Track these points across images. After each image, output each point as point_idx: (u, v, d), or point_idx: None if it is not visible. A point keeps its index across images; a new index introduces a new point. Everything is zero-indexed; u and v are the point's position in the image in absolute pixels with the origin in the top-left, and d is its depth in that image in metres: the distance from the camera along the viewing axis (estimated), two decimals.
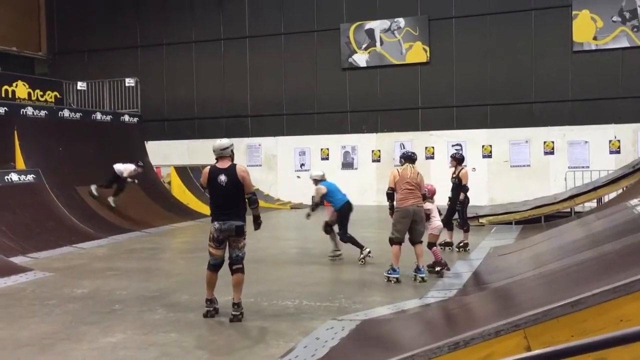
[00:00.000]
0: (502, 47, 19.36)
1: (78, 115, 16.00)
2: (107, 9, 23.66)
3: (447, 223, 10.91)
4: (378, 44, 20.66)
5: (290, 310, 6.89)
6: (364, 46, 20.81)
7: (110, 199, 14.60)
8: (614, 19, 18.20)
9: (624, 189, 13.12)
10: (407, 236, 8.40)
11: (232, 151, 6.67)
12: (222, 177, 6.47)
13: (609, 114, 18.16)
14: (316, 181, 10.28)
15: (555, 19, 18.81)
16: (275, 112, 21.94)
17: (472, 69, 19.59)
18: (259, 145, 22.13)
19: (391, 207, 8.37)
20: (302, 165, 21.56)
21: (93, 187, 14.49)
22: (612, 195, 13.73)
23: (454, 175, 10.89)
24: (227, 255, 6.63)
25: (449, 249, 10.78)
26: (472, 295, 6.61)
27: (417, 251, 8.34)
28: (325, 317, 6.42)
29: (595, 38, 18.41)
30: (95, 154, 15.69)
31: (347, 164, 21.17)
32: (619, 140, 18.12)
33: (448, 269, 8.66)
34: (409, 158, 8.56)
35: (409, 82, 20.29)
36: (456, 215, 10.97)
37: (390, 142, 20.39)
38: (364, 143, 20.90)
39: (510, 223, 13.93)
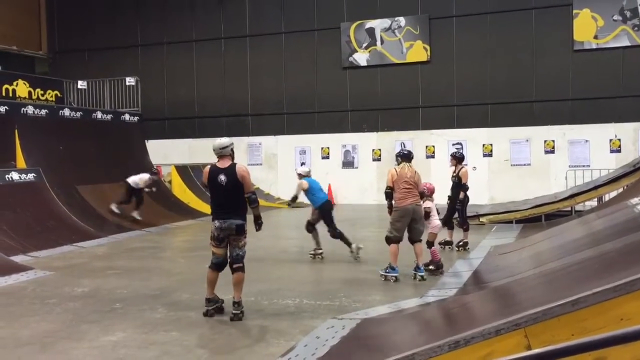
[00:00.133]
0: (503, 46, 19.35)
1: (78, 114, 16.01)
2: (108, 8, 23.66)
3: (448, 222, 10.92)
4: (379, 43, 20.65)
5: (291, 309, 6.89)
6: (364, 45, 20.80)
7: (135, 213, 14.62)
8: (615, 17, 18.18)
9: (625, 187, 13.12)
10: (405, 235, 8.41)
11: (232, 150, 6.67)
12: (222, 177, 6.48)
13: (610, 113, 18.15)
14: (301, 176, 10.36)
15: (556, 18, 18.79)
16: (276, 111, 21.94)
17: (472, 68, 19.58)
18: (260, 144, 22.13)
19: (390, 206, 8.37)
20: (302, 164, 21.51)
21: (113, 206, 14.41)
22: (613, 194, 13.72)
23: (454, 174, 10.89)
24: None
25: (449, 248, 10.78)
26: (473, 294, 6.60)
27: (417, 250, 8.33)
28: (325, 316, 6.43)
29: (596, 37, 18.40)
30: (96, 153, 15.71)
31: (348, 163, 21.17)
32: (619, 139, 18.11)
33: (441, 273, 8.62)
34: (405, 157, 8.56)
35: (409, 81, 20.28)
36: (456, 215, 10.97)
37: (391, 141, 20.38)
38: (364, 142, 20.89)
39: (510, 222, 13.92)
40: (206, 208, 14.39)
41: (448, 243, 10.86)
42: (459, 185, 10.74)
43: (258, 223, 6.74)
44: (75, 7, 24.03)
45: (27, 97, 16.63)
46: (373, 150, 20.80)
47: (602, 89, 18.23)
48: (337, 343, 5.39)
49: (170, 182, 18.70)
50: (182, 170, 18.78)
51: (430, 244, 8.90)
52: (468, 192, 10.90)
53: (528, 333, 3.35)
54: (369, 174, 20.67)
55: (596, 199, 14.25)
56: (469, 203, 11.24)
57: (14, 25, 23.12)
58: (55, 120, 14.99)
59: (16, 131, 13.54)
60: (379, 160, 20.59)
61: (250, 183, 6.61)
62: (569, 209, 14.17)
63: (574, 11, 18.51)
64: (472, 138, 19.49)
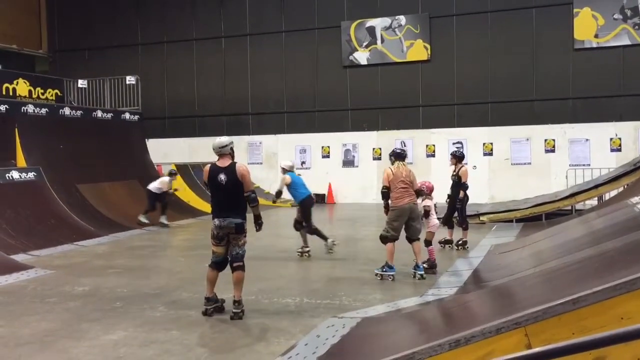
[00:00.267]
0: (503, 45, 19.34)
1: (79, 113, 16.01)
2: (108, 6, 23.66)
3: (448, 221, 10.93)
4: (379, 41, 20.65)
5: (291, 308, 6.90)
6: (365, 44, 20.79)
7: (162, 219, 14.66)
8: (615, 16, 18.17)
9: (625, 186, 13.13)
10: (403, 234, 8.41)
11: (231, 149, 6.67)
12: (222, 176, 6.49)
13: (610, 112, 18.15)
14: (284, 170, 10.41)
15: (556, 17, 18.78)
16: (276, 109, 21.94)
17: (473, 66, 19.57)
18: (260, 143, 22.14)
19: (386, 206, 8.36)
20: (302, 163, 21.56)
21: (142, 217, 14.38)
22: (613, 193, 13.72)
23: (453, 173, 10.89)
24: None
25: (449, 246, 10.78)
26: (473, 293, 6.60)
27: (415, 249, 8.34)
28: (326, 315, 6.43)
29: (596, 36, 18.39)
30: (96, 152, 15.71)
31: (348, 162, 21.17)
32: (620, 138, 18.11)
33: (434, 272, 8.59)
34: (399, 156, 8.57)
35: (409, 80, 20.28)
36: (455, 214, 10.97)
37: (391, 140, 20.35)
38: (364, 141, 20.89)
39: (511, 221, 13.93)
40: (207, 207, 14.39)
41: (448, 242, 10.86)
42: (458, 184, 10.74)
43: (258, 223, 6.74)
44: (76, 5, 24.03)
45: (27, 96, 16.64)
46: (373, 149, 20.80)
47: (603, 87, 18.23)
48: (338, 342, 5.39)
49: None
50: (183, 169, 18.78)
51: (428, 243, 8.89)
52: (468, 191, 10.91)
53: (528, 332, 3.35)
54: (369, 173, 20.67)
55: (596, 198, 14.25)
56: (469, 202, 11.25)
57: (14, 24, 23.13)
58: (55, 119, 14.99)
59: (16, 130, 13.54)
60: (379, 159, 20.58)
61: (250, 182, 6.61)
62: (570, 207, 14.17)
63: (575, 10, 18.50)
64: (473, 137, 19.49)
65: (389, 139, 20.36)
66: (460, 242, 10.70)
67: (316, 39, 21.36)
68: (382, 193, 8.36)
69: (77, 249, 11.52)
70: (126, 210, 14.88)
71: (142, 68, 22.09)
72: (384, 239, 8.32)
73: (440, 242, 10.78)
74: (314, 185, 20.94)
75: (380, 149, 20.63)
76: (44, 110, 14.77)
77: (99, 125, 16.45)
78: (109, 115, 17.06)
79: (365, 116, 20.88)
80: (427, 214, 8.98)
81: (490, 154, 19.44)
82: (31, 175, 12.95)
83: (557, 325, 3.29)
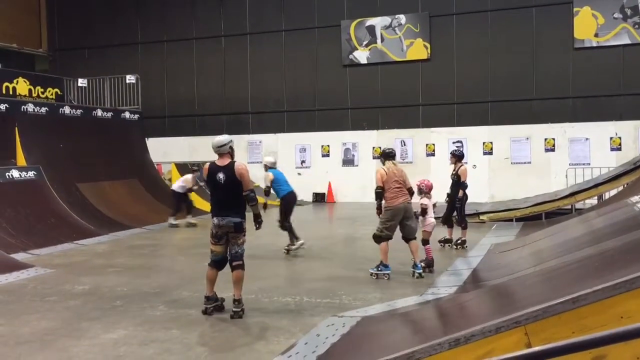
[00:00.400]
0: (503, 44, 19.34)
1: (79, 112, 16.00)
2: (108, 5, 23.65)
3: (447, 220, 10.93)
4: (379, 40, 20.64)
5: (291, 307, 6.90)
6: (364, 43, 20.78)
7: (189, 218, 14.70)
8: (615, 15, 18.16)
9: (625, 186, 13.13)
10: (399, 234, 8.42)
11: (231, 148, 6.66)
12: (221, 175, 6.49)
13: (610, 111, 18.15)
14: (266, 167, 10.49)
15: (556, 16, 18.78)
16: (276, 108, 21.93)
17: (473, 65, 19.57)
18: (260, 142, 22.13)
19: (379, 207, 8.37)
20: (302, 162, 21.57)
21: (171, 220, 14.44)
22: (613, 192, 13.72)
23: (453, 172, 10.89)
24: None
25: (449, 246, 10.78)
26: (473, 292, 6.60)
27: (412, 248, 8.36)
28: (325, 314, 6.43)
29: (596, 35, 18.38)
30: (96, 151, 15.70)
31: (348, 161, 21.17)
32: (619, 137, 18.11)
33: (431, 271, 8.60)
34: (389, 155, 8.58)
35: (409, 79, 20.27)
36: (455, 212, 10.97)
37: (391, 139, 20.37)
38: (364, 140, 20.89)
39: (511, 220, 13.94)
40: (206, 206, 14.35)
41: (448, 241, 10.86)
42: (458, 183, 10.74)
43: (258, 222, 6.75)
44: (75, 4, 24.01)
45: (27, 94, 16.62)
46: (373, 148, 20.78)
47: (603, 87, 18.22)
48: (338, 341, 5.40)
49: (170, 179, 18.71)
50: (182, 168, 18.77)
51: (425, 242, 8.89)
52: (467, 190, 10.91)
53: (528, 331, 3.35)
54: (369, 172, 20.61)
55: (596, 197, 14.25)
56: (468, 201, 11.26)
57: (14, 23, 23.12)
58: (55, 118, 14.98)
59: (16, 129, 13.53)
60: (379, 158, 20.53)
61: (248, 181, 6.60)
62: (569, 207, 14.17)
63: (575, 9, 18.50)
64: (473, 136, 19.48)
65: (388, 138, 20.36)
66: (459, 241, 10.70)
67: (316, 38, 21.36)
68: (377, 193, 8.35)
69: (77, 248, 11.53)
70: (126, 209, 14.87)
71: (142, 67, 22.08)
72: (378, 239, 8.35)
73: (440, 241, 10.79)
74: (314, 184, 21.05)
75: (380, 148, 20.56)
76: (44, 109, 14.77)
77: (99, 124, 16.44)
78: (109, 114, 17.06)
79: (365, 115, 20.88)
80: (424, 212, 8.98)
81: (490, 153, 19.44)
82: (31, 174, 12.95)
83: (557, 324, 3.29)
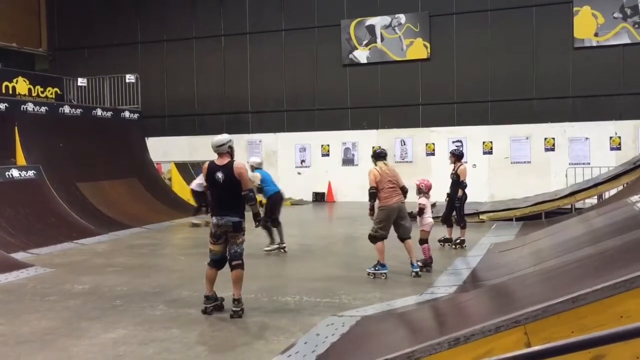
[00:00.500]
0: (503, 44, 19.33)
1: (78, 111, 16.00)
2: (108, 5, 23.63)
3: (447, 219, 10.93)
4: (379, 40, 20.64)
5: (291, 306, 6.90)
6: (364, 42, 20.78)
7: (192, 218, 14.70)
8: (615, 15, 18.16)
9: (625, 185, 13.13)
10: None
11: (230, 147, 6.64)
12: (219, 174, 6.49)
13: (610, 111, 18.14)
14: (253, 167, 10.57)
15: (556, 15, 18.77)
16: (276, 108, 21.93)
17: (472, 65, 19.56)
18: (260, 141, 22.12)
19: (372, 207, 8.37)
20: (302, 161, 21.57)
21: (193, 219, 14.47)
22: (613, 191, 13.72)
23: (452, 172, 10.89)
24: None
25: (449, 245, 10.78)
26: (472, 291, 6.61)
27: (407, 247, 8.39)
28: (325, 313, 6.43)
29: (596, 34, 18.38)
30: (96, 151, 15.71)
31: (348, 161, 21.17)
32: (619, 137, 18.10)
33: (428, 271, 8.62)
34: (379, 156, 8.63)
35: (409, 79, 20.27)
36: (454, 212, 10.97)
37: (391, 139, 20.37)
38: (364, 139, 20.88)
39: (510, 219, 13.94)
40: None
41: (447, 240, 10.86)
42: (457, 183, 10.74)
43: (257, 220, 6.79)
44: (75, 4, 24.00)
45: (27, 94, 16.61)
46: (373, 147, 20.70)
47: (603, 86, 18.22)
48: (337, 340, 5.40)
49: (170, 179, 18.72)
50: (182, 167, 18.79)
51: (422, 241, 8.89)
52: (466, 190, 10.91)
53: (528, 330, 3.35)
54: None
55: (596, 197, 14.25)
56: (468, 200, 11.26)
57: (13, 22, 23.11)
58: (55, 118, 14.98)
59: (16, 128, 13.53)
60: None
61: (247, 180, 6.60)
62: (569, 206, 14.17)
63: (575, 8, 18.49)
64: (472, 135, 19.48)
65: (388, 138, 20.36)
66: (458, 240, 10.71)
67: (316, 37, 21.35)
68: (370, 194, 8.36)
69: (77, 247, 11.53)
70: (126, 208, 14.87)
71: (142, 66, 22.07)
72: (373, 239, 8.38)
73: (439, 241, 10.80)
74: (314, 183, 21.06)
75: (380, 147, 20.56)
76: (43, 109, 14.77)
77: (99, 124, 16.44)
78: (109, 114, 17.05)
79: (365, 115, 20.87)
80: (421, 212, 8.98)
81: (490, 152, 19.44)
82: (31, 173, 12.95)
83: (557, 323, 3.29)
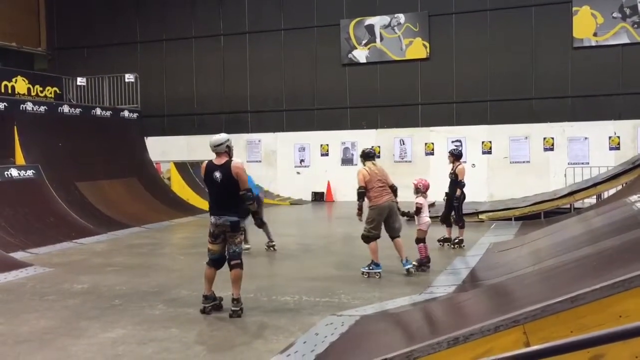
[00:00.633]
0: (502, 43, 19.34)
1: (78, 110, 15.99)
2: (107, 4, 23.63)
3: (445, 219, 10.94)
4: (378, 39, 20.64)
5: (290, 306, 6.90)
6: (364, 42, 20.78)
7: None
8: (614, 15, 18.17)
9: (624, 185, 13.13)
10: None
11: (228, 147, 6.61)
12: (217, 174, 6.48)
13: (609, 110, 18.16)
14: None
15: (556, 15, 18.79)
16: (275, 107, 21.93)
17: (472, 65, 19.57)
18: (259, 141, 22.12)
19: (360, 207, 8.40)
20: (301, 161, 21.57)
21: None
22: (612, 191, 13.73)
23: (451, 171, 10.90)
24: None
25: (448, 245, 10.79)
26: (471, 291, 6.61)
27: (397, 245, 8.43)
28: (324, 313, 6.43)
29: (595, 34, 18.39)
30: (95, 150, 15.70)
31: (347, 160, 21.16)
32: (618, 137, 18.12)
33: (424, 270, 8.63)
34: (368, 156, 8.63)
35: (409, 78, 20.27)
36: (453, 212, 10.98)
37: (390, 138, 20.39)
38: (363, 139, 20.84)
39: (509, 219, 13.94)
40: (205, 204, 14.36)
41: (446, 240, 10.87)
42: (455, 182, 10.75)
43: (256, 219, 6.81)
44: (75, 3, 23.99)
45: (26, 93, 16.60)
46: (372, 147, 20.72)
47: (602, 86, 18.24)
48: (337, 340, 5.40)
49: (169, 178, 18.72)
50: (181, 166, 18.79)
51: (418, 241, 8.89)
52: (465, 189, 10.92)
53: (527, 330, 3.35)
54: None
55: (595, 197, 14.26)
56: (467, 200, 11.27)
57: (13, 22, 23.09)
58: (54, 117, 14.97)
59: (15, 128, 13.52)
60: (378, 157, 20.47)
61: (245, 180, 6.57)
62: (568, 206, 14.17)
63: (574, 8, 18.50)
64: (472, 135, 19.49)
65: (388, 137, 20.38)
66: (456, 240, 10.71)
67: (315, 37, 21.35)
68: (359, 193, 8.36)
69: (76, 247, 11.52)
70: (125, 208, 14.86)
71: (141, 66, 22.06)
72: (366, 239, 8.40)
73: (438, 240, 10.81)
74: (313, 183, 21.06)
75: (379, 147, 20.60)
76: (42, 108, 14.76)
77: (98, 123, 16.43)
78: (108, 113, 17.05)
79: (364, 114, 20.87)
80: (418, 211, 8.98)
81: (489, 152, 19.45)
82: (30, 173, 12.93)
83: (556, 323, 3.29)
